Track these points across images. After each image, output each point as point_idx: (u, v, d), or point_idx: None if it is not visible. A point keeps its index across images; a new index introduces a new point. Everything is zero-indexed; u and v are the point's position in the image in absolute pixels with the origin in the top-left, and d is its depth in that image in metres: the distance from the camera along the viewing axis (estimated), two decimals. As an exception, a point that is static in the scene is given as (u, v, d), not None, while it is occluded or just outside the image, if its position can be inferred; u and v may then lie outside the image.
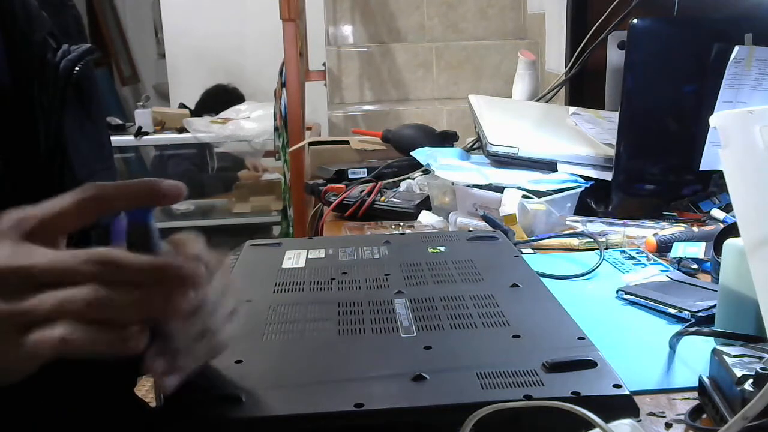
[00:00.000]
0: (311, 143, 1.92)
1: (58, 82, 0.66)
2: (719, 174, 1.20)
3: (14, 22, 0.64)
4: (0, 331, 0.42)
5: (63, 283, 0.43)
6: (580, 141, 1.39)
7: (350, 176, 1.54)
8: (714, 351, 0.59)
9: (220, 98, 3.76)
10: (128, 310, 0.43)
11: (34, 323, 0.43)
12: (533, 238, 1.11)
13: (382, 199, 1.36)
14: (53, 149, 0.67)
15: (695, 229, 1.09)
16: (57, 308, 0.42)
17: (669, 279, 0.91)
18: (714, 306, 0.74)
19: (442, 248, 0.90)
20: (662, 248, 1.05)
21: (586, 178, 1.26)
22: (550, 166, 1.30)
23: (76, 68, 0.67)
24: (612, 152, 1.26)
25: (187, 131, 3.53)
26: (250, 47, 4.09)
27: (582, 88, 1.85)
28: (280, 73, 2.61)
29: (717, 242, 0.87)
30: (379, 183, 1.41)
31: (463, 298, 0.72)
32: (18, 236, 0.44)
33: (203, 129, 3.52)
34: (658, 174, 1.27)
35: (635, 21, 1.20)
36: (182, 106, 3.76)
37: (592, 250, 1.06)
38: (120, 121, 3.60)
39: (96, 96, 0.75)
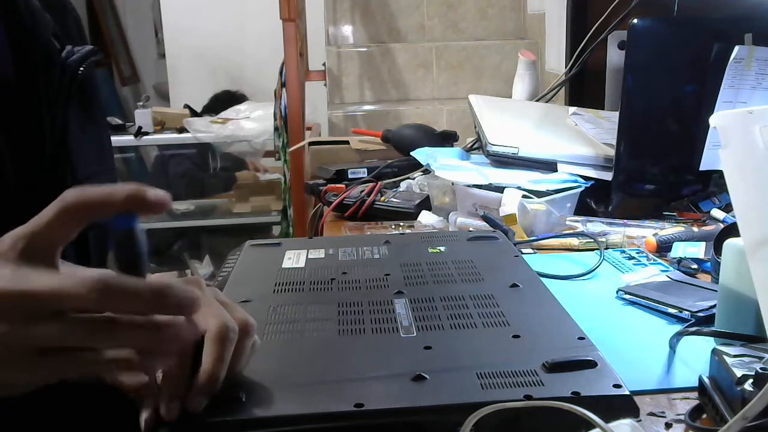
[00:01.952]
0: (311, 143, 1.92)
1: (63, 81, 0.66)
2: (719, 174, 1.20)
3: (19, 21, 0.65)
4: (13, 352, 0.44)
5: (67, 309, 0.44)
6: (580, 141, 1.39)
7: (350, 176, 1.54)
8: (714, 351, 0.59)
9: (228, 104, 3.76)
10: (132, 340, 0.45)
11: (45, 348, 0.44)
12: (533, 238, 1.11)
13: (382, 199, 1.36)
14: (58, 148, 0.67)
15: (695, 229, 1.09)
16: (67, 338, 0.43)
17: (669, 279, 0.91)
18: (714, 306, 0.74)
19: (442, 248, 0.90)
20: (662, 248, 1.05)
21: (586, 178, 1.26)
22: (550, 166, 1.30)
23: (81, 68, 0.67)
24: (612, 152, 1.26)
25: (187, 131, 3.53)
26: (250, 47, 4.09)
27: (582, 88, 1.85)
28: (280, 73, 2.61)
29: (717, 242, 0.87)
30: (379, 183, 1.41)
31: (463, 298, 0.72)
32: (15, 257, 0.44)
33: (203, 129, 3.52)
34: (658, 174, 1.27)
35: (635, 21, 1.20)
36: (187, 107, 3.76)
37: (592, 250, 1.06)
38: (120, 121, 3.59)
39: (98, 98, 0.75)
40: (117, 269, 0.46)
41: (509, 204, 1.15)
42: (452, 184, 1.27)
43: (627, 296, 0.86)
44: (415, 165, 1.47)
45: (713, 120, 0.65)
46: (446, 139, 1.73)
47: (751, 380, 0.53)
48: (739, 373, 0.54)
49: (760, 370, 0.53)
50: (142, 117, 3.51)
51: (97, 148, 0.75)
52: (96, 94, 0.75)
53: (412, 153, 1.45)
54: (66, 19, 0.73)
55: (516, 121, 1.50)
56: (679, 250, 1.00)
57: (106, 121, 0.85)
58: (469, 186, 1.23)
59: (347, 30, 2.80)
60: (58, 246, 0.45)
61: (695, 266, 0.97)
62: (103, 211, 0.45)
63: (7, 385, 0.46)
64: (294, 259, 0.86)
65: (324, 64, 2.79)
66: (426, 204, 1.32)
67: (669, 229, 1.10)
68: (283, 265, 0.84)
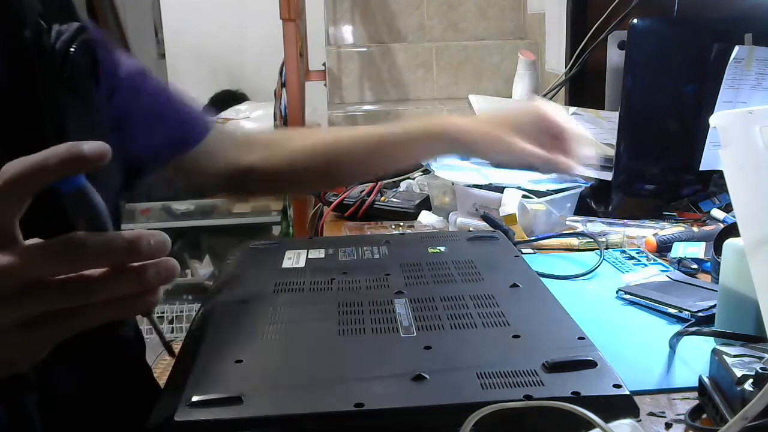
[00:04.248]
0: (311, 143, 1.92)
1: (54, 65, 0.64)
2: (719, 174, 1.20)
3: (6, 9, 0.63)
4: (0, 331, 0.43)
5: (43, 276, 0.43)
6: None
7: (350, 176, 1.54)
8: (714, 351, 0.59)
9: (228, 104, 3.75)
10: (115, 288, 0.44)
11: (29, 320, 0.44)
12: (533, 238, 1.11)
13: (382, 199, 1.36)
14: (56, 139, 0.66)
15: (695, 229, 1.09)
16: (50, 303, 0.43)
17: (669, 279, 0.91)
18: (714, 306, 0.74)
19: (442, 248, 0.90)
20: (662, 248, 1.05)
21: (586, 178, 1.26)
22: (550, 166, 1.30)
23: (71, 48, 0.65)
24: (612, 152, 1.26)
25: (188, 131, 3.52)
26: (250, 47, 4.08)
27: (582, 88, 1.85)
28: (280, 73, 2.61)
29: (717, 242, 0.87)
30: (379, 183, 1.41)
31: (463, 298, 0.72)
32: None
33: (203, 129, 3.51)
34: (658, 174, 1.27)
35: (635, 21, 1.20)
36: (187, 107, 3.75)
37: (592, 250, 1.06)
38: (120, 121, 3.58)
39: (92, 82, 0.72)
40: (82, 230, 0.45)
41: (509, 204, 1.15)
42: (452, 184, 1.27)
43: (627, 296, 0.86)
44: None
45: (713, 120, 0.65)
46: (446, 139, 1.72)
47: (751, 380, 0.53)
48: (739, 373, 0.54)
49: (760, 370, 0.53)
50: (142, 117, 3.50)
51: (95, 134, 0.74)
52: (89, 77, 0.72)
53: (412, 153, 1.44)
54: None
55: (516, 121, 1.50)
56: (679, 250, 1.00)
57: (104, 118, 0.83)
58: (469, 186, 1.23)
59: (347, 30, 2.79)
60: (10, 221, 0.44)
61: (695, 266, 0.97)
62: (44, 178, 0.43)
63: (4, 363, 0.46)
64: (294, 259, 0.86)
65: (324, 64, 2.79)
66: (426, 204, 1.32)
67: (669, 229, 1.10)
68: (283, 265, 0.84)
